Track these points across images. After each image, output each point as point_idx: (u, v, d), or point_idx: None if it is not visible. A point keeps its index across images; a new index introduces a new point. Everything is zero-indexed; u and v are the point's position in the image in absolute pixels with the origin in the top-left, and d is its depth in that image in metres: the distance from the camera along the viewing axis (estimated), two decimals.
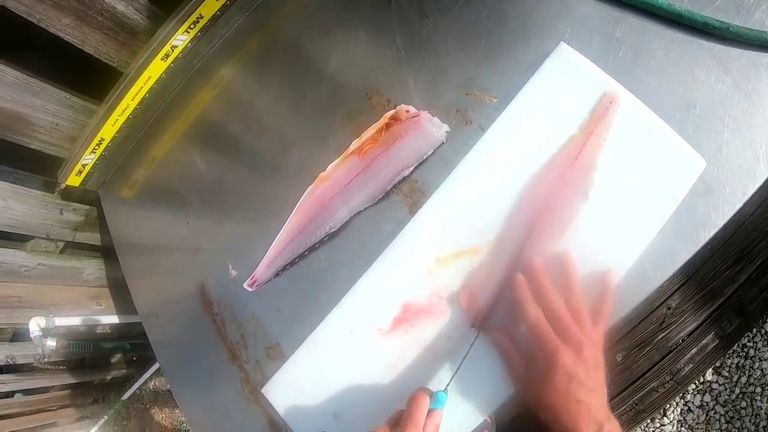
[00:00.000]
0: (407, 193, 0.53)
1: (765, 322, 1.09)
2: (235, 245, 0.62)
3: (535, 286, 0.44)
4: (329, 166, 0.55)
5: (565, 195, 0.47)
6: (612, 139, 0.47)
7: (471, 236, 0.49)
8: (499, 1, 0.54)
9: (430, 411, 0.40)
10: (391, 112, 0.54)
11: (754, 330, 1.10)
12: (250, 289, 0.58)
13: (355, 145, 0.54)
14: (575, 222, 0.46)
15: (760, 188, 0.44)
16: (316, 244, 0.55)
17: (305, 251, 0.55)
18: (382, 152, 0.53)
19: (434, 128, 0.52)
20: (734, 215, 0.44)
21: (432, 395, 0.42)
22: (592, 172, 0.46)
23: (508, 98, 0.51)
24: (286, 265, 0.56)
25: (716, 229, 0.45)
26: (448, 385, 0.44)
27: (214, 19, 0.68)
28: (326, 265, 0.55)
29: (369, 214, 0.54)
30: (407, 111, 0.53)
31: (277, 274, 0.57)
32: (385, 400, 0.47)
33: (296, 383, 0.53)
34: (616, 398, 1.11)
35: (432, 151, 0.52)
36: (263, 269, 0.56)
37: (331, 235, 0.55)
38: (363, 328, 0.51)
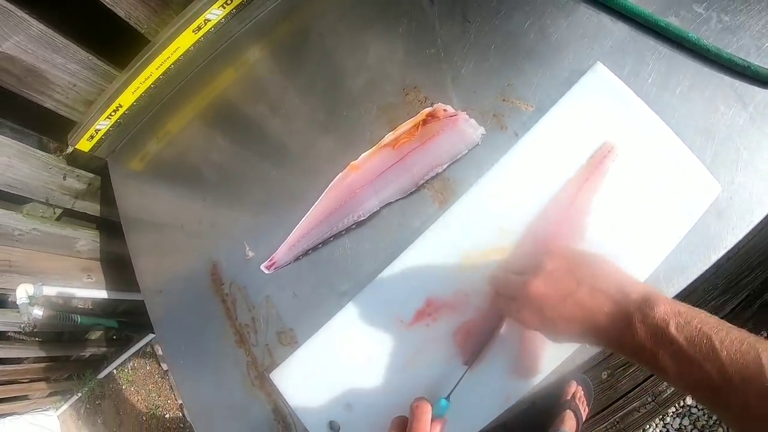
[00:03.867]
0: (439, 189, 0.53)
1: None
2: (253, 227, 0.61)
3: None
4: (361, 156, 0.55)
5: (563, 236, 0.48)
6: (638, 156, 0.48)
7: (499, 237, 0.49)
8: (540, 15, 0.55)
9: (433, 420, 0.40)
10: (428, 109, 0.54)
11: None
12: (267, 272, 0.57)
13: (389, 137, 0.54)
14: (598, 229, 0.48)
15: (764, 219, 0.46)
16: (342, 231, 0.54)
17: (330, 237, 0.54)
18: (417, 147, 0.53)
19: (470, 129, 0.52)
20: (740, 240, 0.46)
21: (434, 403, 0.41)
22: (585, 217, 0.48)
23: (544, 109, 0.52)
24: (309, 249, 0.55)
25: (725, 251, 0.46)
26: (450, 393, 0.43)
27: None
28: (350, 254, 0.55)
29: (398, 207, 0.54)
30: (445, 110, 0.53)
31: (297, 259, 0.56)
32: (401, 394, 0.46)
33: (308, 370, 0.52)
34: (599, 415, 1.13)
35: (467, 151, 0.53)
36: (284, 252, 0.56)
37: (359, 224, 0.54)
38: (384, 320, 0.51)
